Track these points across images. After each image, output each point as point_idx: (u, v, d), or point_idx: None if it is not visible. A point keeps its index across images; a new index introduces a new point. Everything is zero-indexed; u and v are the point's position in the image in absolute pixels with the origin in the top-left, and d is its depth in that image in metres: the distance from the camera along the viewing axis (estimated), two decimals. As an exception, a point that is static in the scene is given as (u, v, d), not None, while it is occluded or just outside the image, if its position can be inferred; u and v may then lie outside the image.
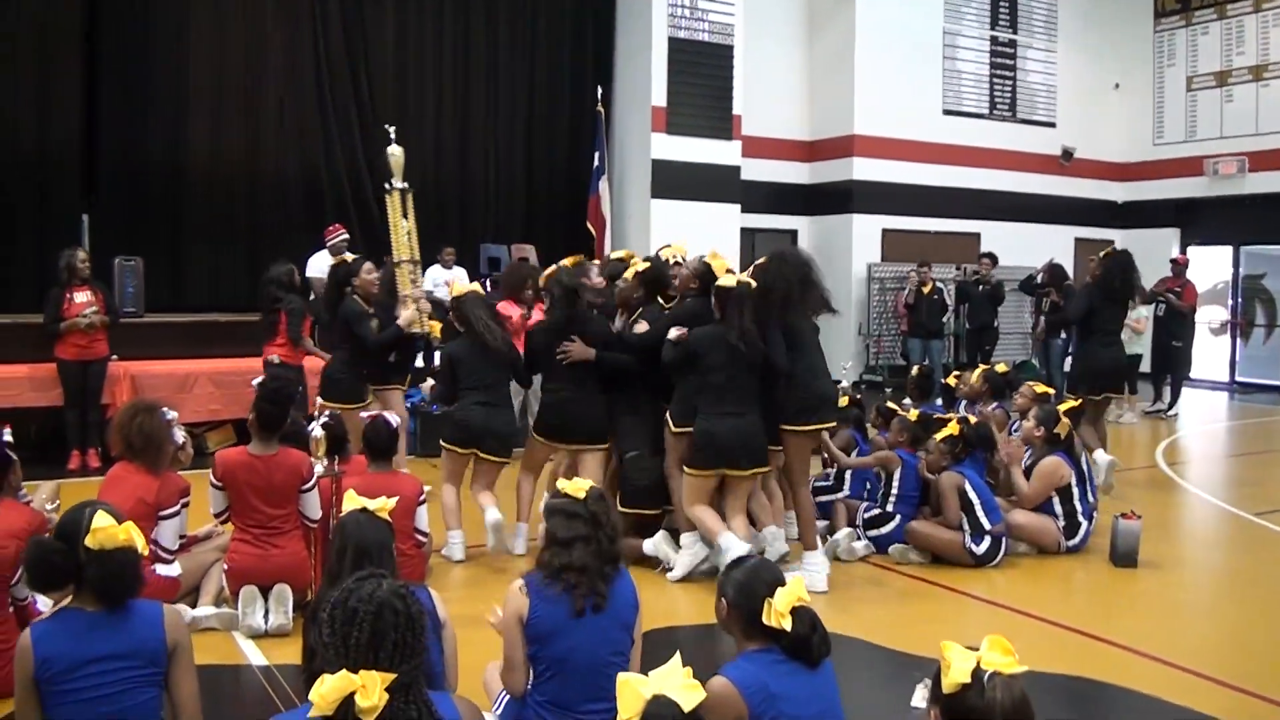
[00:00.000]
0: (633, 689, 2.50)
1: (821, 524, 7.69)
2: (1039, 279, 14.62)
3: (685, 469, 6.63)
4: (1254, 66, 18.49)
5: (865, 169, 17.62)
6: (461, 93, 15.48)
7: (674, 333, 6.69)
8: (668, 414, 6.84)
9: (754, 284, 6.59)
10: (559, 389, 7.24)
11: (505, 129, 15.84)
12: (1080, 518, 7.55)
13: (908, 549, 7.32)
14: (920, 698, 2.79)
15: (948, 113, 18.60)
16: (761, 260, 6.78)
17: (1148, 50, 20.19)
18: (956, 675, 2.55)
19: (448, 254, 13.28)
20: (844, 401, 8.48)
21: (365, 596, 2.47)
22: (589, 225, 15.11)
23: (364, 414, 6.73)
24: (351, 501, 3.82)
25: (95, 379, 9.85)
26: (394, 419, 6.45)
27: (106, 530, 3.43)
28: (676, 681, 2.53)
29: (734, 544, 6.38)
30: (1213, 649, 5.86)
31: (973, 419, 7.88)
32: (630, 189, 15.91)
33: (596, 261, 10.34)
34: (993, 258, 16.10)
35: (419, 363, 9.80)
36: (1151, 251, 17.72)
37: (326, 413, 6.55)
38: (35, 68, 12.45)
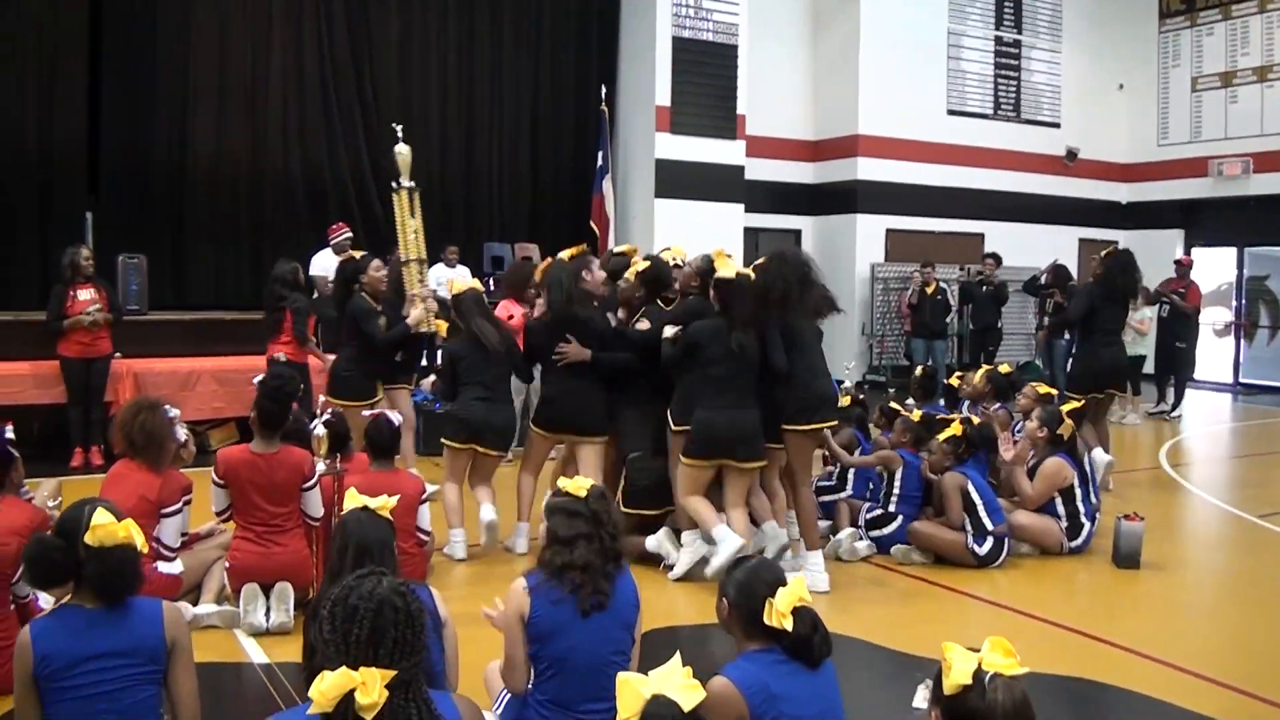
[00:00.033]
0: (632, 689, 2.50)
1: (824, 524, 7.71)
2: (1043, 280, 14.60)
3: (682, 459, 6.64)
4: (1259, 67, 18.46)
5: (869, 169, 17.61)
6: (465, 92, 15.48)
7: (669, 331, 6.70)
8: (668, 413, 6.84)
9: (753, 275, 6.61)
10: (557, 380, 7.24)
11: (509, 128, 15.84)
12: (1083, 519, 7.54)
13: (910, 549, 7.31)
14: (921, 698, 2.78)
15: (952, 113, 18.58)
16: (761, 260, 6.77)
17: (1152, 51, 20.16)
18: (958, 676, 2.55)
19: (451, 253, 13.28)
20: (846, 401, 8.48)
21: (366, 593, 2.47)
22: (592, 225, 15.10)
23: (366, 412, 6.72)
24: (353, 500, 3.82)
25: (98, 376, 9.86)
26: (395, 417, 6.45)
27: (106, 527, 3.44)
28: (676, 681, 2.53)
29: (728, 536, 6.42)
30: (1215, 651, 5.84)
31: (976, 420, 7.87)
32: (634, 188, 15.90)
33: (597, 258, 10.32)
34: (996, 258, 16.07)
35: (423, 361, 9.79)
36: (1156, 252, 17.76)
37: (329, 411, 6.55)
38: (39, 66, 12.45)
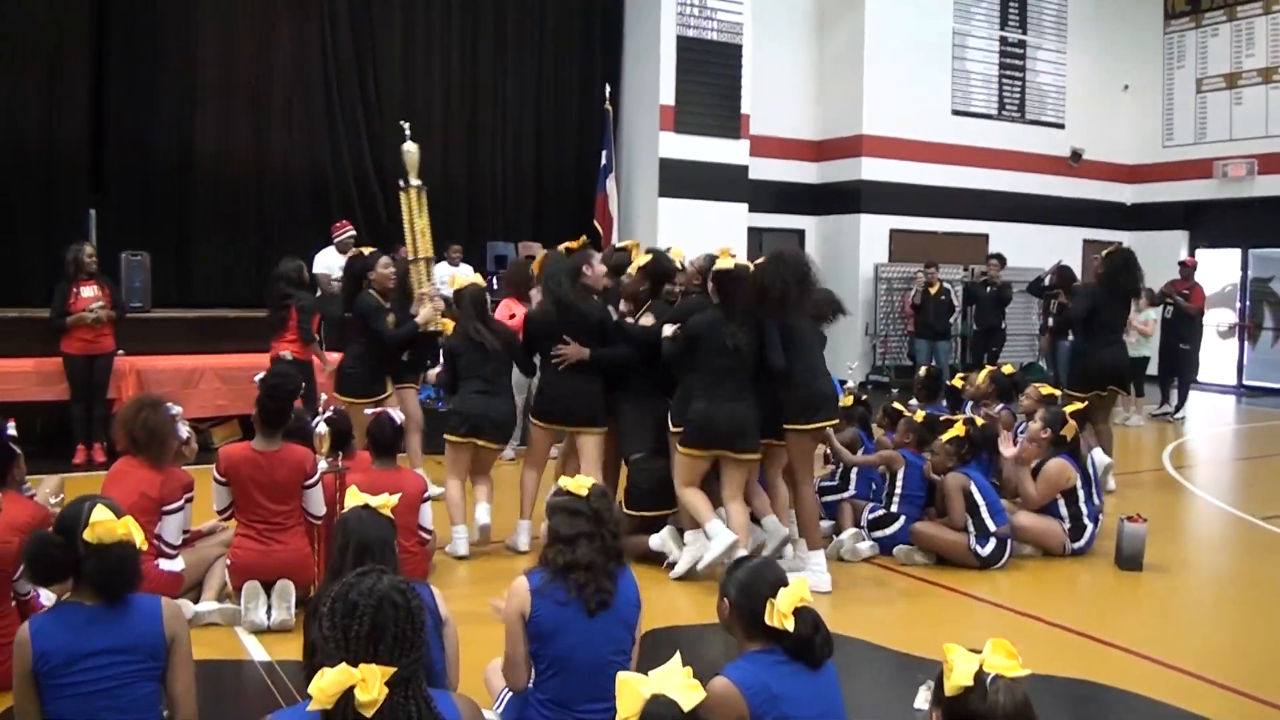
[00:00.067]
0: (632, 688, 2.49)
1: (828, 524, 7.72)
2: (1047, 281, 14.60)
3: (679, 448, 6.66)
4: (1264, 69, 18.44)
5: (873, 169, 17.60)
6: (469, 91, 15.48)
7: (669, 329, 6.71)
8: (669, 415, 6.84)
9: (752, 268, 6.62)
10: (554, 371, 7.24)
11: (513, 126, 15.84)
12: (1085, 520, 7.53)
13: (912, 550, 7.30)
14: (923, 699, 2.79)
15: (956, 113, 18.58)
16: (760, 260, 6.78)
17: (1157, 52, 20.15)
18: (959, 678, 2.54)
19: (455, 251, 13.29)
20: (849, 401, 8.49)
21: (366, 590, 2.47)
22: (596, 224, 15.08)
23: (368, 410, 6.72)
24: (354, 498, 3.82)
25: (101, 374, 9.84)
26: (397, 416, 6.44)
27: (105, 524, 3.44)
28: (676, 681, 2.52)
29: (720, 532, 6.45)
30: (1217, 653, 5.83)
31: (979, 420, 7.86)
32: (638, 188, 15.90)
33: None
34: (1000, 259, 16.07)
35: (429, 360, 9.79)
36: (1160, 254, 17.76)
37: (330, 408, 6.54)
38: (43, 63, 12.45)
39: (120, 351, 10.01)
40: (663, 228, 14.98)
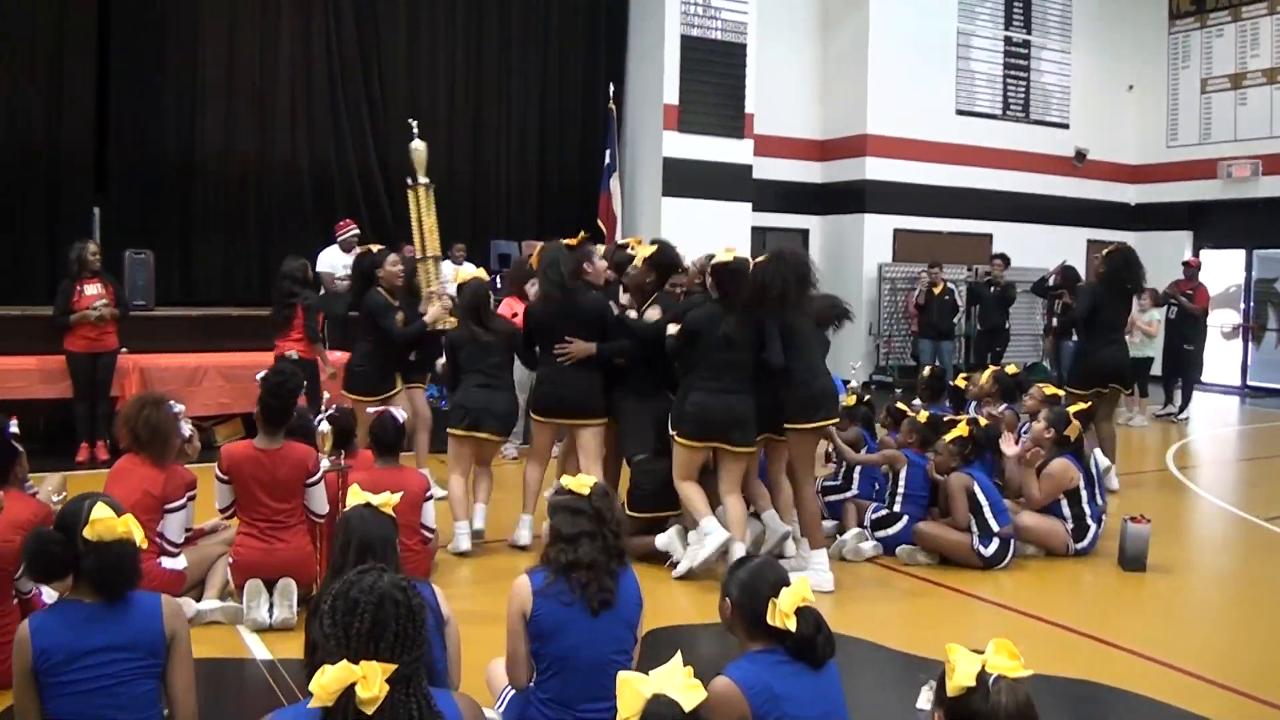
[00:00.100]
0: (633, 688, 2.49)
1: (831, 524, 7.72)
2: (1051, 281, 14.57)
3: (676, 439, 6.67)
4: (1268, 69, 18.42)
5: (877, 169, 17.60)
6: (473, 89, 15.48)
7: (673, 328, 6.73)
8: (670, 416, 6.85)
9: (752, 265, 6.64)
10: (552, 364, 7.25)
11: (517, 125, 15.84)
12: (1089, 520, 7.52)
13: (915, 550, 7.29)
14: (925, 700, 2.77)
15: (960, 113, 18.57)
16: (760, 258, 6.79)
17: (1162, 52, 20.13)
18: (961, 678, 2.54)
19: (458, 250, 13.29)
20: (852, 401, 8.48)
21: (367, 587, 2.47)
22: (600, 222, 15.08)
23: (370, 409, 6.71)
24: (355, 496, 3.82)
25: (104, 371, 9.84)
26: (400, 414, 6.43)
27: (105, 522, 3.43)
28: (677, 681, 2.52)
29: (714, 530, 6.48)
30: (1221, 653, 5.82)
31: (982, 420, 7.85)
32: (641, 187, 15.90)
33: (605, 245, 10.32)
34: (1005, 259, 16.07)
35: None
36: (1164, 254, 17.74)
37: (333, 406, 6.54)
38: (47, 62, 12.47)
39: (123, 349, 10.02)
40: (666, 227, 14.95)
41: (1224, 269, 19.20)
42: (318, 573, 5.78)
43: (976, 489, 7.14)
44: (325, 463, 6.01)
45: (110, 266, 10.32)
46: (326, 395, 7.90)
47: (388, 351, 8.15)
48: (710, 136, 15.68)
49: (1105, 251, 10.04)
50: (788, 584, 3.30)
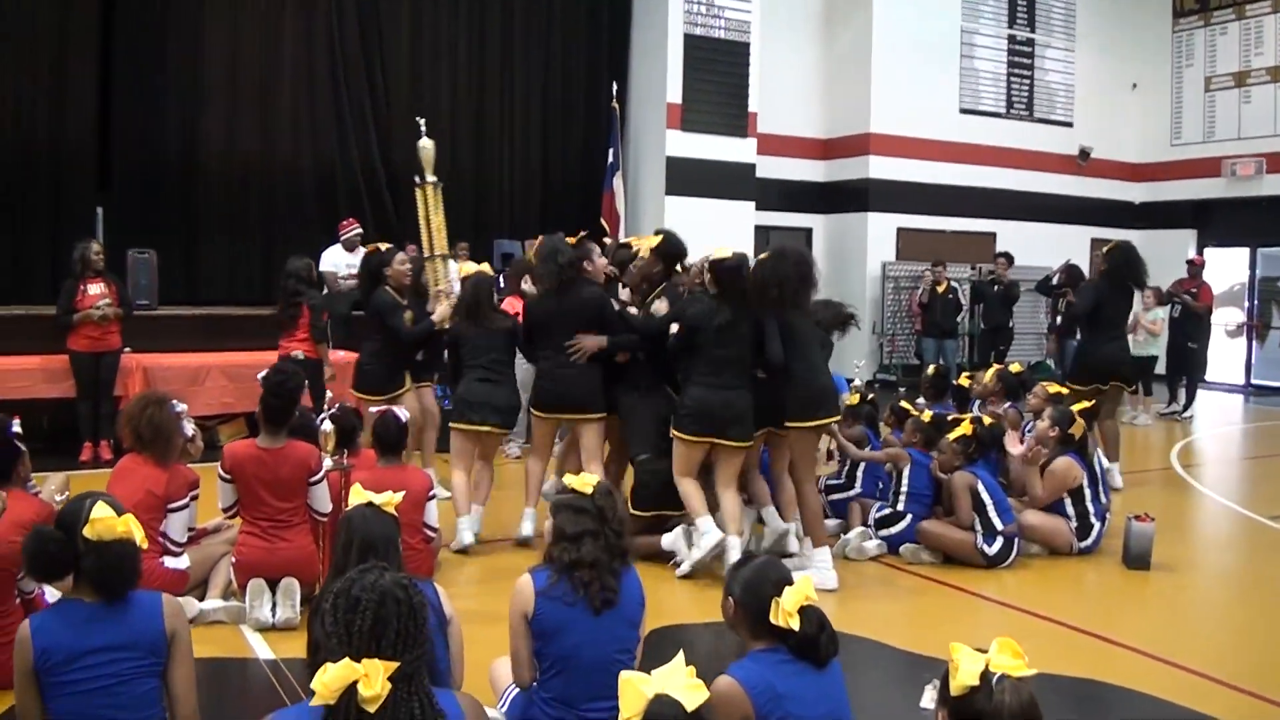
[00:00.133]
0: (635, 688, 2.48)
1: (835, 523, 7.72)
2: (1056, 280, 14.55)
3: (675, 434, 6.68)
4: (1272, 67, 18.38)
5: (881, 167, 17.58)
6: (476, 88, 15.49)
7: (674, 327, 6.75)
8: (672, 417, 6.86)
9: (753, 262, 6.65)
10: (551, 359, 7.25)
11: (520, 124, 15.85)
12: (1093, 519, 7.51)
13: (919, 549, 7.28)
14: (929, 699, 2.76)
15: (964, 111, 18.55)
16: (762, 255, 6.81)
17: (1166, 50, 20.10)
18: (965, 677, 2.53)
19: (461, 249, 13.28)
20: (855, 399, 8.47)
21: (368, 585, 2.47)
22: (603, 221, 15.07)
23: (373, 409, 6.71)
24: (358, 495, 3.82)
25: (108, 371, 9.84)
26: (403, 414, 6.42)
27: (105, 521, 3.43)
28: (680, 681, 2.51)
29: (710, 530, 6.51)
30: (1225, 652, 5.81)
31: (986, 419, 7.83)
32: (645, 186, 15.89)
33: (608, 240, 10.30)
34: (1008, 257, 16.06)
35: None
36: (1168, 252, 17.72)
37: (336, 405, 6.54)
38: (51, 60, 12.48)
39: (127, 349, 10.02)
40: (669, 226, 14.85)
41: (1228, 267, 19.18)
42: (320, 572, 5.77)
43: (980, 488, 7.13)
44: (328, 462, 6.01)
45: (113, 266, 10.32)
46: (329, 395, 7.88)
47: (396, 350, 8.13)
48: (713, 135, 15.68)
49: (1105, 249, 10.06)
50: (791, 583, 3.29)
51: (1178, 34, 19.97)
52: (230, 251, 13.74)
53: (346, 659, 2.36)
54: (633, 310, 7.41)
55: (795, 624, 3.20)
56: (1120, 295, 9.87)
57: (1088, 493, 7.51)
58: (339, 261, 11.84)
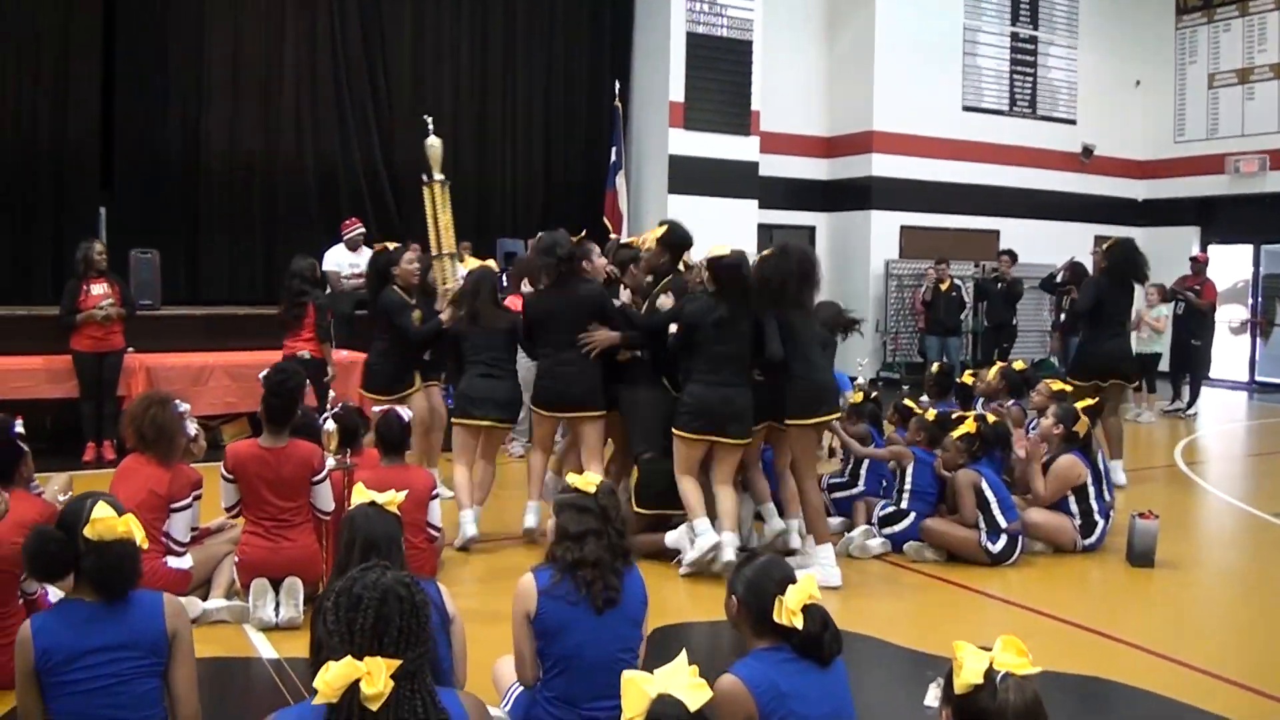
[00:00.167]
0: (638, 688, 2.47)
1: (839, 521, 7.72)
2: (1060, 278, 14.55)
3: (675, 432, 6.69)
4: (1276, 64, 18.34)
5: (884, 165, 17.57)
6: (479, 87, 15.47)
7: (673, 327, 6.75)
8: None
9: (757, 258, 6.66)
10: (550, 356, 7.26)
11: (523, 123, 15.83)
12: (1096, 516, 7.50)
13: (923, 547, 7.27)
14: (933, 697, 2.77)
15: (967, 109, 18.52)
16: (765, 252, 6.81)
17: (1169, 47, 20.07)
18: (969, 676, 2.52)
19: (464, 248, 13.26)
20: (859, 398, 8.47)
21: (370, 583, 2.47)
22: (606, 220, 15.07)
23: (376, 408, 6.70)
24: (360, 495, 3.81)
25: (111, 371, 9.85)
26: (406, 413, 6.42)
27: (105, 521, 3.43)
28: (682, 680, 2.50)
29: (706, 532, 6.53)
30: (1229, 649, 5.81)
31: (990, 417, 7.83)
32: (648, 184, 15.88)
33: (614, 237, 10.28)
34: (1012, 255, 16.06)
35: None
36: (1171, 249, 17.70)
37: (339, 405, 6.53)
38: (53, 62, 12.47)
39: (130, 349, 10.02)
40: (674, 222, 14.95)
41: (1232, 264, 19.15)
42: (324, 571, 5.78)
43: (984, 485, 7.13)
44: (331, 461, 6.01)
45: (116, 266, 10.33)
46: (333, 394, 7.88)
47: (404, 350, 8.11)
48: (716, 133, 15.67)
49: (1105, 246, 10.05)
50: (794, 581, 3.28)
51: (1181, 31, 19.94)
52: (233, 251, 13.73)
53: (349, 657, 2.36)
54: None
55: (799, 622, 3.19)
56: (1121, 292, 9.87)
57: (1091, 490, 7.51)
58: (341, 261, 11.85)
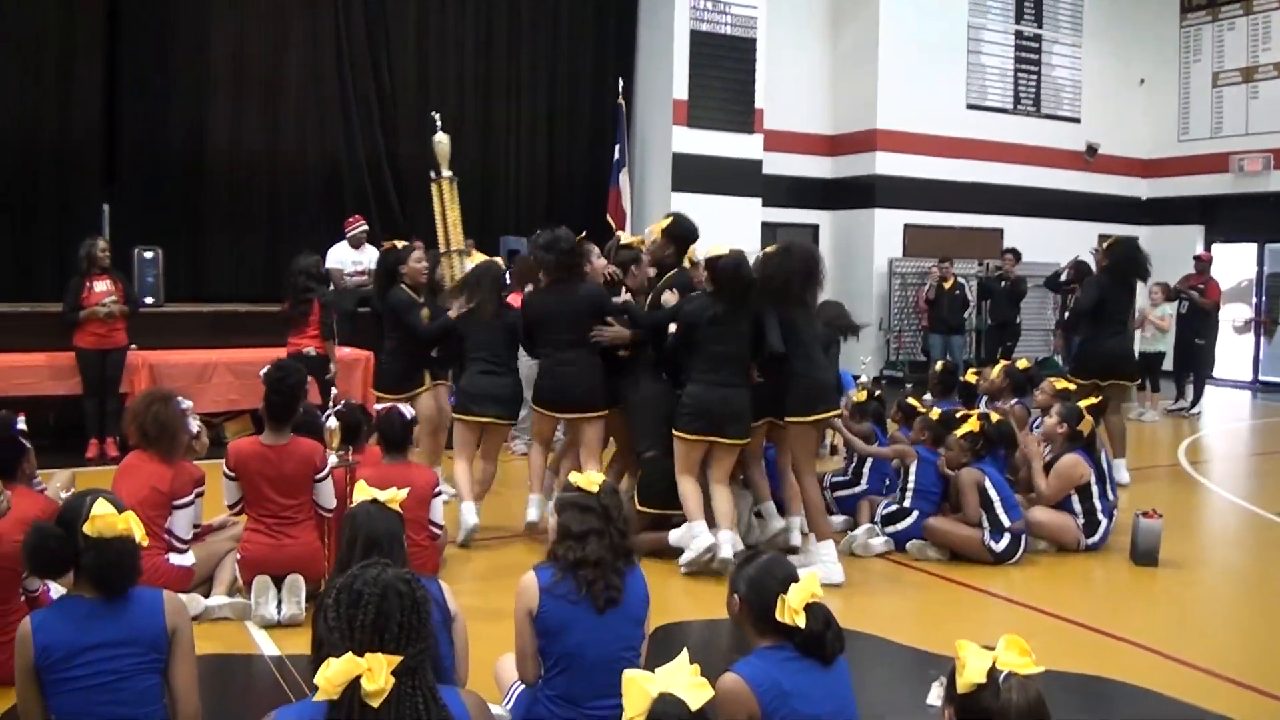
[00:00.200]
0: (639, 687, 2.46)
1: (841, 520, 7.72)
2: (1064, 276, 14.53)
3: (674, 432, 6.69)
4: (1280, 63, 18.36)
5: (888, 163, 17.55)
6: (483, 84, 15.46)
7: (672, 327, 6.75)
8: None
9: (760, 256, 6.66)
10: (551, 355, 7.25)
11: (526, 121, 15.81)
12: (1100, 515, 7.49)
13: (926, 545, 7.26)
14: (936, 696, 2.76)
15: (971, 107, 18.50)
16: (769, 249, 6.81)
17: (1173, 46, 20.05)
18: (971, 675, 2.52)
19: (468, 245, 13.26)
20: (862, 396, 8.46)
21: (370, 580, 2.46)
22: (609, 218, 15.06)
23: (378, 406, 6.70)
24: (362, 493, 3.81)
25: (114, 368, 9.86)
26: (408, 411, 6.40)
27: (105, 518, 3.43)
28: (684, 679, 2.49)
29: (701, 534, 6.54)
30: (1233, 649, 5.80)
31: (994, 415, 7.82)
32: (651, 182, 15.87)
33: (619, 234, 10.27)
34: (1015, 254, 16.04)
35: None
36: (1175, 248, 17.69)
37: (341, 402, 6.53)
38: (57, 58, 12.46)
39: (133, 346, 10.03)
40: (676, 222, 14.93)
41: (1236, 263, 19.12)
42: (326, 568, 5.77)
43: (987, 484, 7.12)
44: (333, 458, 6.01)
45: (119, 263, 10.33)
46: (335, 391, 7.87)
47: (413, 348, 8.07)
48: (720, 132, 15.64)
49: (1106, 244, 10.05)
50: (796, 580, 3.27)
51: (1185, 29, 19.92)
52: (236, 249, 13.72)
53: (349, 653, 2.35)
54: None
55: (801, 621, 3.19)
56: (1123, 290, 9.87)
57: (1095, 489, 7.50)
58: (345, 258, 11.85)
